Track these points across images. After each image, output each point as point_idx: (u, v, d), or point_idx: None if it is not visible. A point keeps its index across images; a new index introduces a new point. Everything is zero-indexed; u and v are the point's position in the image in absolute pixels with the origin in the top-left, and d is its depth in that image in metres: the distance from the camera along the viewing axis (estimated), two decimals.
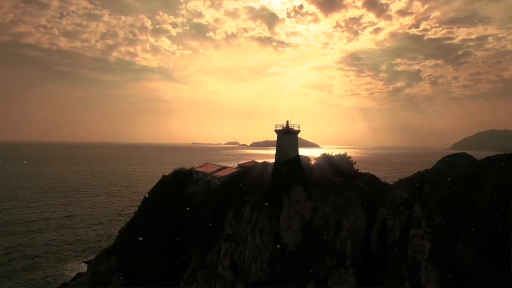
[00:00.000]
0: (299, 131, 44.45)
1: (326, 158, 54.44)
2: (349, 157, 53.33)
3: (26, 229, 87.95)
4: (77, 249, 78.36)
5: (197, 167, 64.22)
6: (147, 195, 61.51)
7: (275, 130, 44.06)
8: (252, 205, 37.88)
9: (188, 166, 68.27)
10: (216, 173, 52.95)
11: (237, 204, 39.99)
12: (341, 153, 54.41)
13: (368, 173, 55.72)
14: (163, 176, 63.42)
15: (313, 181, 37.73)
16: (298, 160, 40.99)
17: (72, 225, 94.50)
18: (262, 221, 35.52)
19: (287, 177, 37.49)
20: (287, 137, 42.94)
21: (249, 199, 38.87)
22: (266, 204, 36.30)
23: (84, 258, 72.93)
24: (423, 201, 29.62)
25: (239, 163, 64.63)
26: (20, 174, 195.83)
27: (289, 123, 44.22)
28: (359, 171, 54.70)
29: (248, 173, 44.18)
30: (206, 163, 65.17)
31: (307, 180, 37.53)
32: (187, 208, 46.46)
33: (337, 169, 51.25)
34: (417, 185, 31.11)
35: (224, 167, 56.35)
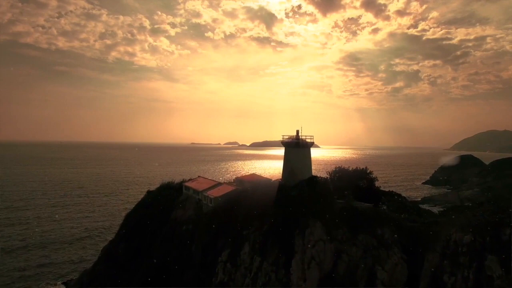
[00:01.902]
0: (312, 143, 34.98)
1: (342, 173, 45.26)
2: (370, 172, 44.08)
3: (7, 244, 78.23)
4: (58, 267, 68.99)
5: (188, 180, 54.81)
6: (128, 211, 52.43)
7: (282, 142, 34.65)
8: (252, 245, 28.58)
9: (178, 179, 59.14)
10: (208, 192, 43.57)
11: (233, 239, 30.70)
12: (359, 167, 45.25)
13: (392, 191, 46.56)
14: (148, 192, 54.03)
15: (335, 213, 28.39)
16: (313, 182, 31.52)
17: (56, 240, 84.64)
18: (266, 270, 26.23)
19: (300, 207, 28.22)
20: (298, 151, 33.43)
21: (249, 235, 29.54)
22: (272, 245, 27.03)
23: (63, 278, 63.93)
24: (501, 252, 20.48)
25: (237, 176, 55.33)
26: (9, 176, 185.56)
27: (300, 133, 34.73)
28: (379, 187, 45.49)
29: (248, 195, 34.81)
30: (198, 177, 55.76)
31: (327, 211, 28.18)
32: (172, 240, 37.20)
33: (356, 187, 42.16)
34: (489, 228, 21.96)
35: (219, 183, 46.93)
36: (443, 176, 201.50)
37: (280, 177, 43.40)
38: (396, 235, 26.59)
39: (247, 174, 54.74)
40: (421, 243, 25.70)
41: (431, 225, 26.95)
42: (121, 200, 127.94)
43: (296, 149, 33.39)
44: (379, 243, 25.98)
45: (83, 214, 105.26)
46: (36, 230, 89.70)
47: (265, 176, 51.92)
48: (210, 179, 52.33)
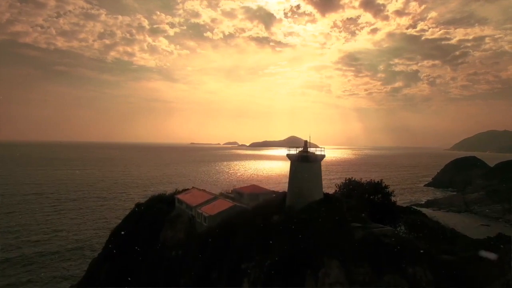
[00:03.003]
0: (323, 156, 29.63)
1: (353, 186, 40.09)
2: (385, 186, 38.90)
3: None
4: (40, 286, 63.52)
5: (182, 192, 49.52)
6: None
7: (288, 155, 29.41)
8: (253, 282, 23.43)
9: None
10: (203, 208, 38.36)
11: (229, 273, 25.57)
12: (373, 180, 40.09)
13: (410, 207, 41.41)
14: (137, 205, 48.76)
15: (353, 244, 23.17)
16: (326, 206, 26.20)
17: (43, 252, 78.98)
18: None
19: (311, 238, 23.06)
20: (307, 167, 27.98)
21: (248, 270, 24.37)
22: (277, 287, 21.86)
23: None
24: None
25: (235, 187, 50.24)
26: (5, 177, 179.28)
27: (308, 144, 29.41)
28: (395, 200, 40.33)
29: (247, 217, 29.58)
30: (192, 188, 50.46)
31: (345, 243, 22.98)
32: (160, 266, 32.01)
33: (370, 202, 37.11)
34: None
35: (214, 197, 41.65)
36: (446, 178, 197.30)
37: (283, 189, 38.19)
38: (430, 274, 21.49)
39: (246, 185, 49.51)
40: (463, 286, 20.60)
41: (476, 262, 21.85)
42: (118, 206, 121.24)
43: (305, 164, 28.05)
44: (411, 286, 20.89)
45: (76, 221, 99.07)
46: (23, 239, 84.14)
47: (266, 189, 46.83)
48: (205, 191, 47.05)
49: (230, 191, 49.72)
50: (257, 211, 30.69)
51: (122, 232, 41.80)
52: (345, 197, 37.89)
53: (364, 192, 37.16)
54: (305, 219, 24.96)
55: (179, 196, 45.88)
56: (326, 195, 28.54)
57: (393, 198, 38.55)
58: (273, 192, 44.69)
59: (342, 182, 41.21)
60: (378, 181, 38.14)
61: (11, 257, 72.63)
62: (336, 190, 41.64)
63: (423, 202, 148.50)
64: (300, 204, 26.86)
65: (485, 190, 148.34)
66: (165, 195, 49.65)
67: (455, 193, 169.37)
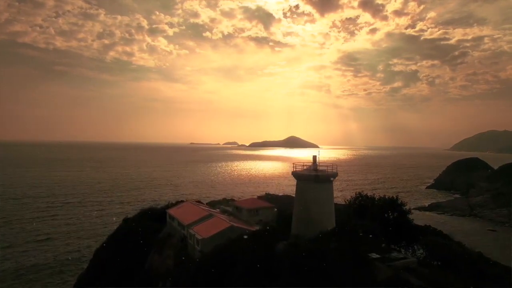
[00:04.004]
0: (336, 174, 25.01)
1: (365, 201, 35.78)
2: (402, 203, 34.57)
3: None
4: None
5: (174, 205, 45.09)
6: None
7: (294, 174, 24.87)
8: None
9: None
10: (196, 227, 33.93)
11: None
12: (388, 196, 35.79)
13: (429, 226, 37.09)
14: (125, 221, 44.33)
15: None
16: (340, 237, 21.69)
17: (29, 266, 74.11)
18: None
19: (324, 282, 18.76)
20: (317, 189, 23.43)
21: None
22: None
23: None
24: None
25: (234, 199, 46.01)
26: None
27: (317, 159, 24.84)
28: (413, 219, 35.93)
29: (247, 245, 25.18)
30: (186, 201, 46.08)
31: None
32: None
33: (384, 220, 32.91)
34: None
35: (209, 214, 37.13)
36: (448, 180, 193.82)
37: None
38: None
39: (245, 199, 45.23)
40: None
41: None
42: (114, 212, 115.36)
43: (315, 185, 23.51)
44: None
45: (69, 229, 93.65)
46: (10, 251, 79.01)
47: (266, 203, 42.58)
48: (199, 205, 42.69)
49: (228, 204, 45.52)
50: (257, 236, 26.41)
51: (105, 254, 37.49)
52: (356, 214, 33.72)
53: (378, 209, 32.90)
54: (315, 253, 20.65)
55: (171, 211, 41.50)
56: (340, 222, 24.00)
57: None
58: (273, 206, 40.76)
59: (351, 197, 36.94)
60: (393, 197, 33.83)
61: None
62: (345, 202, 37.41)
63: (426, 206, 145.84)
64: (308, 232, 22.40)
65: (490, 193, 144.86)
66: (156, 209, 45.34)
67: (458, 195, 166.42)
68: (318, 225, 22.33)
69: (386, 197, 34.80)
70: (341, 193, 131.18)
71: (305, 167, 24.30)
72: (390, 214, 33.20)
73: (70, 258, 72.28)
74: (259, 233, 26.22)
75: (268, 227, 27.91)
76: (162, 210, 44.35)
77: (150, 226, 39.52)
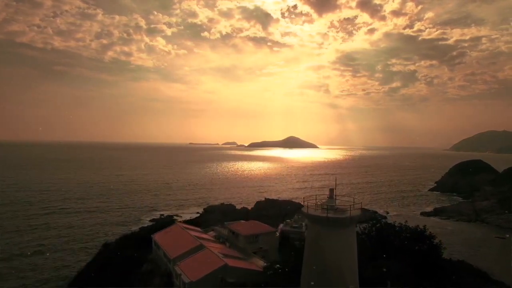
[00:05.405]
0: (360, 215, 18.81)
1: (386, 231, 30.16)
2: (430, 235, 28.84)
3: None
4: None
5: (162, 229, 39.25)
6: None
7: (306, 215, 18.66)
8: None
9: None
10: (182, 265, 28.31)
11: None
12: (414, 226, 30.12)
13: (463, 261, 31.46)
14: (104, 247, 38.64)
15: None
16: None
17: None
18: None
19: None
20: (336, 235, 17.38)
21: None
22: None
23: None
24: None
25: (230, 223, 40.26)
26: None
27: (334, 194, 18.92)
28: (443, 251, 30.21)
29: None
30: (177, 223, 40.40)
31: None
32: None
33: (412, 252, 27.43)
34: None
35: (200, 245, 31.39)
36: (450, 182, 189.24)
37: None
38: None
39: (243, 222, 39.58)
40: None
41: None
42: (108, 221, 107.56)
43: (333, 230, 17.48)
44: None
45: (56, 241, 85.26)
46: None
47: (266, 226, 37.05)
48: (188, 231, 36.87)
49: (223, 228, 39.85)
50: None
51: None
52: (375, 245, 28.19)
53: (402, 242, 27.35)
54: None
55: (157, 238, 35.89)
56: (360, 260, 17.94)
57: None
58: (275, 231, 35.39)
59: (368, 225, 31.25)
60: (420, 229, 28.25)
61: None
62: (361, 235, 31.63)
63: (431, 210, 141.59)
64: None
65: (496, 198, 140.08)
66: (140, 233, 39.62)
67: (461, 199, 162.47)
68: (335, 282, 16.61)
69: (410, 226, 29.17)
70: None
71: (318, 204, 18.54)
72: (418, 247, 27.73)
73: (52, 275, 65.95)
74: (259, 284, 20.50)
75: (271, 271, 22.26)
76: (148, 234, 38.67)
77: (131, 257, 33.84)
